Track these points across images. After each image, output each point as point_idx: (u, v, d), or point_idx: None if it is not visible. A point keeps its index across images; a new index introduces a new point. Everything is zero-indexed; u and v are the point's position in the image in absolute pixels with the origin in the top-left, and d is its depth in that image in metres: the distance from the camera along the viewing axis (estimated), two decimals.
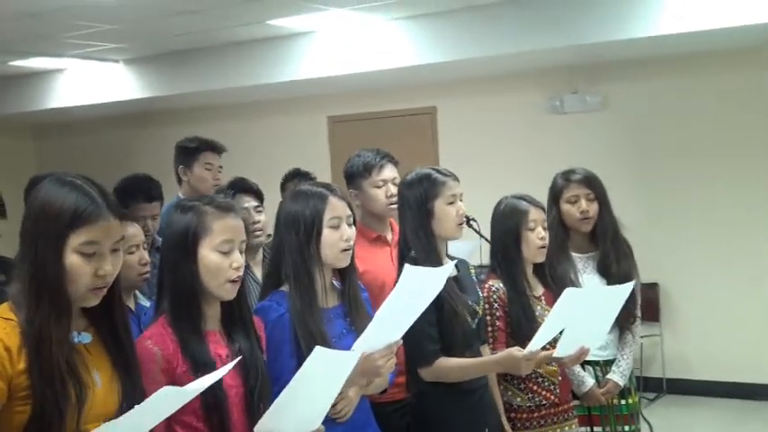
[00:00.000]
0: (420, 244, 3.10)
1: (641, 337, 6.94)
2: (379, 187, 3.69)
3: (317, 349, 2.17)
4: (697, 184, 7.33)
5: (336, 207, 2.70)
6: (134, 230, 3.19)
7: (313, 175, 5.06)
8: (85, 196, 1.96)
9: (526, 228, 3.41)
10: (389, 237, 3.78)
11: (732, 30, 6.07)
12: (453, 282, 3.14)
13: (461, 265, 3.32)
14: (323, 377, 2.24)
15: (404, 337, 2.96)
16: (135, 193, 4.03)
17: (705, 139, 7.27)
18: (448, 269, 2.60)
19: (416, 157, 5.36)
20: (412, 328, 2.68)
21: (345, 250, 2.70)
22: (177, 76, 8.22)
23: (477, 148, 8.08)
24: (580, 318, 2.99)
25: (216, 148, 4.79)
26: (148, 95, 8.46)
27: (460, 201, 3.19)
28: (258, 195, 3.79)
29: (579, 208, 3.76)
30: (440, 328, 3.05)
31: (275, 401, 2.21)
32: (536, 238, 3.42)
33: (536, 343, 2.97)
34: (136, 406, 1.85)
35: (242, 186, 3.74)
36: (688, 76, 7.32)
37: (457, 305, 3.07)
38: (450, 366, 3.05)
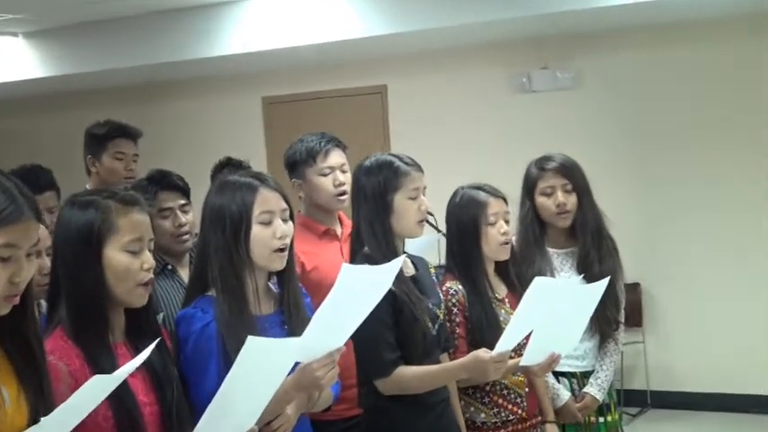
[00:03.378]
0: (375, 240, 3.12)
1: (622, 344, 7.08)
2: (325, 175, 3.74)
3: (250, 339, 2.17)
4: (684, 171, 7.39)
5: (268, 200, 2.69)
6: (40, 233, 3.10)
7: (247, 164, 5.05)
8: (4, 194, 1.95)
9: (486, 222, 3.44)
10: (339, 230, 3.82)
11: None
12: (412, 283, 3.17)
13: (420, 263, 3.35)
14: (260, 371, 2.26)
15: (357, 345, 2.99)
16: None
17: (693, 120, 7.35)
18: (393, 267, 2.59)
19: (364, 144, 5.38)
20: (366, 334, 2.70)
21: (279, 250, 2.69)
22: (86, 53, 8.08)
23: (432, 132, 8.08)
24: (549, 319, 3.02)
25: (129, 134, 4.75)
26: (53, 74, 8.29)
27: (423, 195, 3.21)
28: (184, 191, 3.73)
29: (555, 201, 3.78)
30: (397, 334, 3.07)
31: (210, 405, 2.23)
32: (497, 234, 3.44)
33: (505, 343, 2.99)
34: (62, 404, 1.87)
35: (164, 182, 3.68)
36: (672, 48, 7.38)
37: (416, 309, 3.09)
38: (411, 376, 3.06)
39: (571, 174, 3.81)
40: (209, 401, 2.36)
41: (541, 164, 3.85)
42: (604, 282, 3.20)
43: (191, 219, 3.66)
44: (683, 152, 7.38)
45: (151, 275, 2.40)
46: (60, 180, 4.68)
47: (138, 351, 2.32)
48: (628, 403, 7.31)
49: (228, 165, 5.08)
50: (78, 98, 9.30)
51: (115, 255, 2.34)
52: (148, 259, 2.39)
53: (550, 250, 3.85)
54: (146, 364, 2.34)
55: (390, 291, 2.97)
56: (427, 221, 4.22)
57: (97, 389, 1.95)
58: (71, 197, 2.49)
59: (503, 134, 7.82)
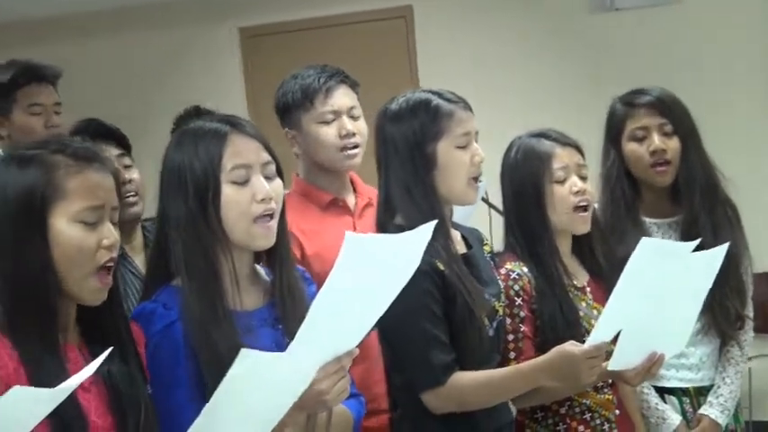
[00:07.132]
0: (413, 206, 3.11)
1: (749, 358, 7.05)
2: (327, 123, 3.77)
3: (244, 353, 2.19)
4: None
5: (241, 150, 2.69)
6: None
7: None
8: None
9: (551, 179, 3.42)
10: (351, 201, 3.85)
11: None
12: (464, 264, 3.14)
13: (472, 237, 3.35)
14: (259, 393, 2.28)
15: (394, 347, 3.04)
16: None
17: None
18: (423, 235, 2.51)
19: (383, 84, 5.36)
20: (407, 330, 2.77)
21: (264, 217, 2.67)
22: None
23: (476, 66, 8.10)
24: (650, 304, 2.94)
25: (44, 76, 4.70)
26: None
27: (476, 142, 3.20)
28: (121, 143, 3.80)
29: (650, 146, 3.77)
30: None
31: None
32: (567, 194, 3.41)
33: (601, 332, 2.94)
34: None
35: (96, 130, 3.73)
36: None
37: (474, 301, 3.07)
38: (471, 383, 3.06)
39: (671, 110, 3.80)
40: (176, 422, 2.41)
41: (630, 99, 3.86)
42: (722, 249, 3.08)
43: (136, 177, 3.76)
44: None
45: (113, 255, 2.42)
46: None
47: (95, 356, 2.32)
48: None
49: (196, 115, 5.10)
50: None
51: (65, 227, 2.37)
52: (110, 234, 2.43)
53: (648, 220, 3.84)
54: (105, 377, 2.40)
55: (440, 272, 3.00)
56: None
57: (18, 408, 1.95)
58: (9, 151, 2.51)
59: (574, 68, 7.83)
